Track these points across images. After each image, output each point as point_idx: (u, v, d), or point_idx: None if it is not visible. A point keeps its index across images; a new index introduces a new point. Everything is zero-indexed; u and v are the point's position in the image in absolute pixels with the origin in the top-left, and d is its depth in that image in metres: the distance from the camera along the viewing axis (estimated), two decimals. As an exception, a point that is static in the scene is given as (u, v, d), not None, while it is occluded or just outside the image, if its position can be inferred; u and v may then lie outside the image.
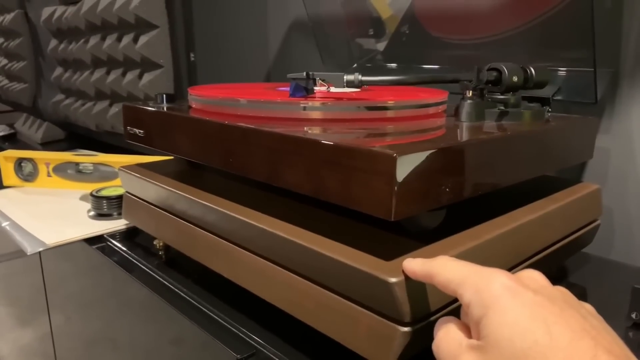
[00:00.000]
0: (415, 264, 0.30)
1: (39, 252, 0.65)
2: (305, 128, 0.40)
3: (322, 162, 0.34)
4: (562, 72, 0.57)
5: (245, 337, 0.42)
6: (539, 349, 0.22)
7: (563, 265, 0.54)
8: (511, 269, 0.40)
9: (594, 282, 0.52)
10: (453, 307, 0.34)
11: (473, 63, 0.46)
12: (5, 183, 0.87)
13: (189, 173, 0.55)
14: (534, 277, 0.27)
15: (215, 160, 0.45)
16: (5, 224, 0.70)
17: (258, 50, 1.02)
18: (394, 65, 0.80)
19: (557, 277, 0.52)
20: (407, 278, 0.31)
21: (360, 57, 0.84)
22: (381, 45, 0.81)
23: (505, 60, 0.47)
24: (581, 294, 0.49)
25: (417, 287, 0.31)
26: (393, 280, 0.30)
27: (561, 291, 0.26)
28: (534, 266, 0.42)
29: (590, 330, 0.23)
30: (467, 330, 0.26)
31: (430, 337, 0.29)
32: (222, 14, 1.01)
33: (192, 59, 0.87)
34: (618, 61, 0.56)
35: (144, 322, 0.55)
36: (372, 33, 0.81)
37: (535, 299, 0.24)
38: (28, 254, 0.61)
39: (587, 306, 0.27)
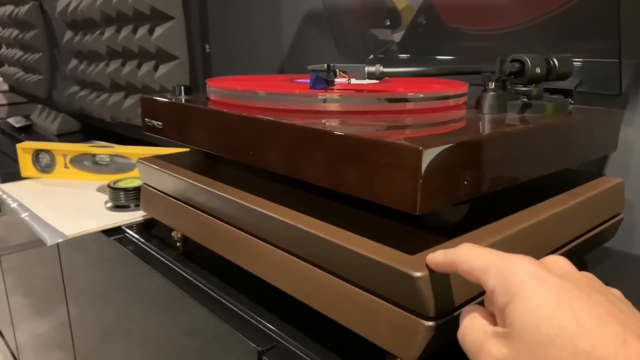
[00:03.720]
0: (438, 256, 0.30)
1: (58, 243, 0.66)
2: (325, 121, 0.40)
3: (345, 155, 0.34)
4: (584, 63, 0.55)
5: (265, 329, 0.42)
6: (566, 335, 0.22)
7: (584, 259, 0.54)
8: (533, 263, 0.40)
9: (616, 276, 0.52)
10: (478, 301, 0.33)
11: (492, 54, 0.46)
12: (23, 174, 0.88)
13: (207, 165, 0.55)
14: (559, 263, 0.26)
15: (234, 152, 0.44)
16: (24, 214, 0.71)
17: (273, 42, 1.01)
18: (409, 56, 0.79)
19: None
20: (432, 272, 0.30)
21: (375, 48, 0.83)
22: (397, 36, 0.80)
23: (525, 52, 0.46)
24: (602, 289, 0.48)
25: (441, 282, 0.31)
26: (418, 274, 0.30)
27: (587, 276, 0.26)
28: (556, 260, 0.42)
29: (618, 315, 0.22)
30: (492, 318, 0.26)
31: (454, 332, 0.28)
32: (237, 4, 1.00)
33: (208, 50, 0.87)
34: (643, 52, 0.55)
35: (163, 314, 0.56)
36: (388, 24, 0.81)
37: (561, 284, 0.24)
38: (48, 244, 0.61)
39: (615, 291, 0.26)
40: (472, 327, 0.26)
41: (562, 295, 0.23)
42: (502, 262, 0.25)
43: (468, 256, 0.27)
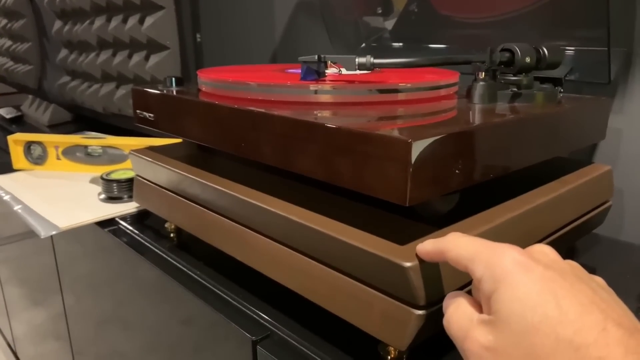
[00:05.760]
0: (427, 245, 0.30)
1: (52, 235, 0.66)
2: (317, 112, 0.40)
3: (336, 148, 0.34)
4: (574, 51, 0.56)
5: (259, 319, 0.42)
6: (549, 323, 0.22)
7: (573, 245, 0.55)
8: (523, 251, 0.41)
9: (604, 262, 0.52)
10: (467, 290, 0.34)
11: (483, 42, 0.46)
12: (15, 166, 0.87)
13: (200, 156, 0.55)
14: (545, 252, 0.27)
15: (226, 144, 0.45)
16: (17, 207, 0.71)
17: (264, 30, 1.01)
18: (402, 44, 0.79)
19: (567, 258, 0.52)
20: (422, 262, 0.31)
21: (368, 36, 0.83)
22: (389, 24, 0.80)
23: (516, 40, 0.46)
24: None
25: (431, 271, 0.32)
26: (408, 264, 0.31)
27: (571, 265, 0.27)
28: (545, 248, 0.43)
29: (600, 304, 0.23)
30: (478, 306, 0.27)
31: (444, 320, 0.29)
32: (228, -7, 0.99)
33: (199, 39, 0.86)
34: (632, 40, 0.55)
35: (158, 304, 0.56)
36: (380, 12, 0.80)
37: (546, 273, 0.24)
38: (42, 237, 0.62)
39: (598, 279, 0.27)
40: (458, 314, 0.27)
41: (547, 284, 0.24)
42: (490, 251, 0.26)
43: (456, 245, 0.28)
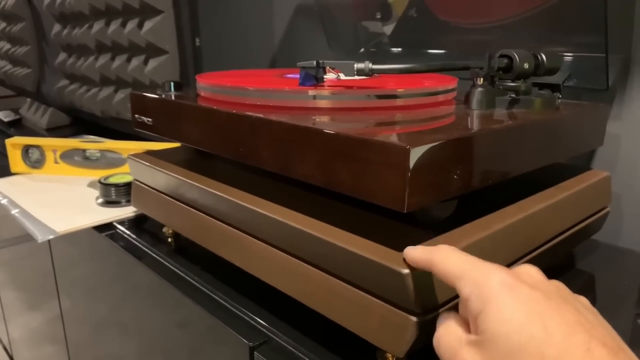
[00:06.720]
0: (416, 253, 0.30)
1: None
2: (315, 117, 0.40)
3: (334, 153, 0.34)
4: (573, 57, 0.56)
5: (256, 324, 0.42)
6: (535, 344, 0.23)
7: (571, 252, 0.55)
8: (521, 257, 0.41)
9: (603, 268, 0.52)
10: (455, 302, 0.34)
11: (482, 48, 0.46)
12: (12, 170, 0.87)
13: (198, 161, 0.55)
14: (531, 273, 0.27)
15: (225, 149, 0.45)
16: (14, 211, 0.71)
17: (264, 35, 1.01)
18: (401, 50, 0.79)
19: (565, 264, 0.52)
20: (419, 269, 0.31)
21: (367, 41, 0.83)
22: (388, 29, 0.80)
23: (515, 45, 0.46)
24: (589, 281, 0.49)
25: (429, 278, 0.31)
26: (405, 271, 0.30)
27: (556, 286, 0.27)
28: (543, 255, 0.43)
29: (585, 324, 0.23)
30: (466, 324, 0.27)
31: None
32: (227, -3, 0.99)
33: (198, 44, 0.86)
34: (629, 47, 0.55)
35: (155, 309, 0.56)
36: (379, 17, 0.80)
37: (532, 294, 0.24)
38: (39, 241, 0.61)
39: (582, 299, 0.27)
40: (447, 333, 0.27)
41: (533, 305, 0.24)
42: (477, 271, 0.26)
43: (445, 260, 0.28)
